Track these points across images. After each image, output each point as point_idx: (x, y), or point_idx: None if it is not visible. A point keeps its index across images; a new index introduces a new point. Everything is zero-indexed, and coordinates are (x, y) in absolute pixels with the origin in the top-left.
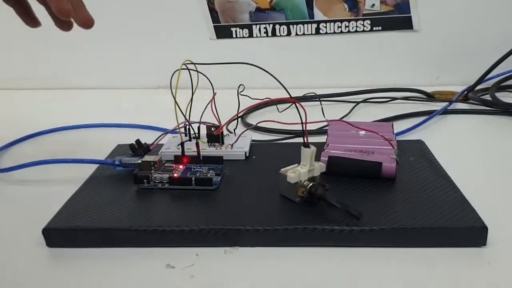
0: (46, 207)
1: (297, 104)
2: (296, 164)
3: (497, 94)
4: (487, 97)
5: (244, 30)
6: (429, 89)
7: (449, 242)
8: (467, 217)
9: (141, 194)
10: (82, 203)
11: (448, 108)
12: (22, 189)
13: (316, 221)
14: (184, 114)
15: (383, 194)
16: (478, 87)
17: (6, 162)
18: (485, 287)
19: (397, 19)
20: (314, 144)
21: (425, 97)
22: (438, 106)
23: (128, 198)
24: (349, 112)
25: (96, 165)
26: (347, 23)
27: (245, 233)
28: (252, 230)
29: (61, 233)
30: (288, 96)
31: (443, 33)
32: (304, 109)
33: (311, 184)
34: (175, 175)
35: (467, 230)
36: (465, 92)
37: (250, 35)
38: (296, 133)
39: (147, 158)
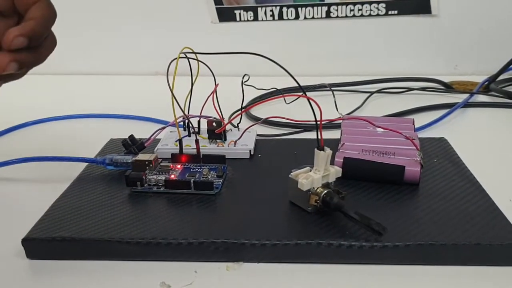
0: (27, 212)
1: (310, 100)
2: (309, 167)
3: None
4: (511, 88)
5: (249, 13)
6: (447, 79)
7: (484, 260)
8: (503, 231)
9: (134, 199)
10: (68, 208)
11: (469, 100)
12: (1, 191)
13: (331, 235)
14: (183, 107)
15: (406, 202)
16: (500, 77)
17: None
18: None
19: (414, 2)
20: (326, 141)
21: (443, 87)
22: (457, 98)
23: (119, 203)
24: (362, 104)
25: (85, 163)
26: (360, 6)
27: (250, 248)
28: (259, 245)
29: (43, 244)
30: (298, 88)
31: (463, 18)
32: (318, 106)
33: (325, 191)
34: (172, 176)
35: (504, 248)
36: (486, 83)
37: (255, 18)
38: (305, 127)
39: (141, 156)
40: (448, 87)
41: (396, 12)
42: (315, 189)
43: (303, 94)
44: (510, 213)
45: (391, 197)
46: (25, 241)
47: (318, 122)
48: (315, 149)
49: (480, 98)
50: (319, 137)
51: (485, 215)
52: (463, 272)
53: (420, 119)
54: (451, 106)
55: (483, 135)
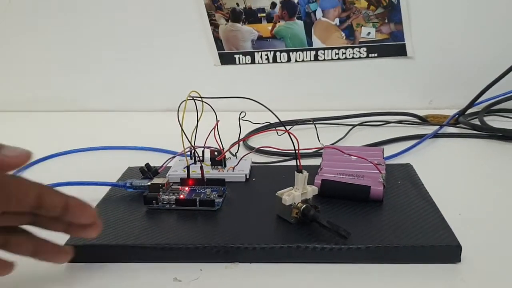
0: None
1: (290, 134)
2: (291, 187)
3: (487, 118)
4: (476, 121)
5: (247, 57)
6: (422, 113)
7: (427, 259)
8: (444, 236)
9: (150, 214)
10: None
11: (439, 131)
12: None
13: (308, 240)
14: (190, 139)
15: (371, 215)
16: (469, 111)
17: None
18: None
19: (392, 47)
20: (309, 167)
21: (418, 120)
22: (430, 129)
23: (139, 218)
24: (345, 135)
25: (109, 187)
26: (344, 50)
27: (244, 251)
28: (251, 248)
29: (80, 250)
30: (292, 122)
31: (436, 59)
32: (296, 139)
33: (304, 206)
34: (181, 196)
35: (443, 248)
36: (456, 116)
37: (253, 61)
38: (293, 155)
39: (155, 180)
40: (424, 120)
41: (376, 55)
42: (296, 204)
43: (285, 128)
44: (457, 223)
45: (359, 211)
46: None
47: (297, 151)
48: (295, 172)
49: (450, 130)
50: (298, 163)
51: (432, 225)
52: (412, 269)
53: (395, 148)
54: (423, 137)
55: (446, 161)
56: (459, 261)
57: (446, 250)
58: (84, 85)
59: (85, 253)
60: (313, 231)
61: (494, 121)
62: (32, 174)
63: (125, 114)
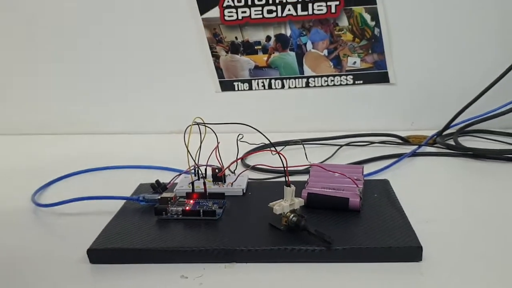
0: (85, 234)
1: (279, 154)
2: (281, 199)
3: (461, 138)
4: (451, 141)
5: (245, 84)
6: (405, 134)
7: (394, 258)
8: (408, 239)
9: (161, 223)
10: (116, 230)
11: (418, 151)
12: (65, 220)
13: (295, 243)
14: (194, 158)
15: (349, 222)
16: (447, 132)
17: (49, 199)
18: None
19: (376, 74)
20: (298, 182)
21: (400, 140)
22: (410, 149)
23: (151, 226)
24: (333, 154)
25: (124, 201)
26: (332, 78)
27: (241, 253)
28: (246, 250)
29: (101, 253)
30: (286, 142)
31: (416, 85)
32: (285, 158)
33: (292, 215)
34: (187, 208)
35: (407, 249)
36: (434, 137)
37: (250, 88)
38: (283, 173)
39: (164, 194)
40: (405, 141)
41: (361, 82)
42: (285, 213)
43: (275, 149)
44: (424, 229)
45: (339, 219)
46: (89, 251)
47: (285, 168)
48: (284, 186)
49: (428, 149)
50: (286, 178)
51: (400, 230)
52: (382, 266)
53: (378, 165)
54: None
55: (421, 177)
56: (421, 259)
57: (409, 250)
58: (98, 111)
59: (107, 256)
60: (299, 236)
61: (467, 141)
62: (57, 189)
63: (134, 136)
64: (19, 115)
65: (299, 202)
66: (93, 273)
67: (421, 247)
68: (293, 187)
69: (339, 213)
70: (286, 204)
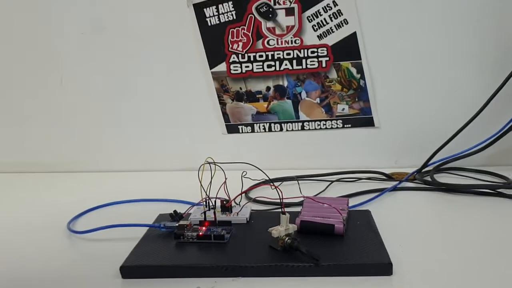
0: (115, 255)
1: (277, 188)
2: (278, 225)
3: (437, 175)
4: (428, 177)
5: (248, 127)
6: (389, 171)
7: (370, 272)
8: (381, 257)
9: (179, 246)
10: (142, 251)
11: (399, 186)
12: (97, 244)
13: (290, 261)
14: (206, 192)
15: (334, 244)
16: (426, 169)
17: (81, 227)
18: None
19: (362, 119)
20: (293, 212)
21: (384, 177)
22: (393, 184)
23: (171, 248)
24: (325, 189)
25: (147, 228)
26: (324, 122)
27: (245, 269)
28: (250, 267)
29: (132, 269)
30: (285, 178)
31: (398, 128)
32: (281, 191)
33: (287, 238)
34: (200, 233)
35: (379, 265)
36: (414, 173)
37: (252, 131)
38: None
39: (181, 222)
40: (389, 177)
41: (349, 125)
42: (281, 236)
43: (273, 184)
44: (397, 251)
45: (326, 242)
46: (122, 268)
47: (281, 200)
48: (280, 214)
49: (408, 184)
50: (282, 208)
51: (375, 250)
52: (360, 279)
53: (363, 198)
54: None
55: (399, 208)
56: (391, 274)
57: (382, 266)
58: (121, 150)
59: (137, 272)
60: (292, 255)
61: (443, 177)
62: (88, 219)
63: (149, 173)
64: (47, 155)
65: (293, 227)
66: (124, 286)
67: (391, 263)
68: (287, 215)
69: (326, 237)
70: (282, 229)
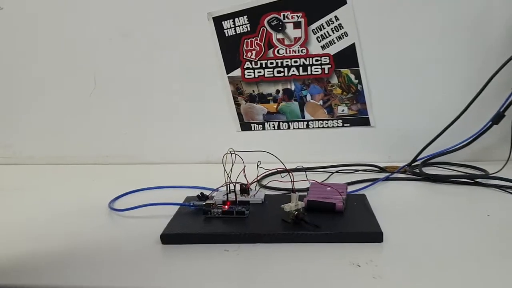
0: (153, 228)
1: (289, 172)
2: (290, 203)
3: (426, 168)
4: (417, 170)
5: (259, 125)
6: (383, 164)
7: (365, 239)
8: (373, 228)
9: (207, 219)
10: (178, 222)
11: (391, 176)
12: (137, 220)
13: (298, 230)
14: (229, 176)
15: (335, 218)
16: (415, 163)
17: (121, 206)
18: (380, 259)
19: (360, 119)
20: (301, 195)
21: (378, 169)
22: (385, 175)
23: (200, 221)
24: (327, 178)
25: (178, 206)
26: (326, 122)
27: (263, 236)
28: (266, 235)
29: (170, 236)
30: (285, 168)
31: (391, 127)
32: (292, 175)
33: (296, 212)
34: (224, 209)
35: (372, 234)
36: (405, 167)
37: (263, 128)
38: (290, 190)
39: (208, 201)
40: (382, 169)
41: (349, 124)
42: (292, 211)
43: (287, 169)
44: (388, 224)
45: (328, 217)
46: (162, 235)
47: (292, 181)
48: (291, 193)
49: (399, 175)
50: (293, 187)
51: (369, 223)
52: (356, 245)
53: (359, 186)
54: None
55: (391, 194)
56: (382, 241)
57: (374, 234)
58: (149, 145)
59: (174, 238)
60: (300, 226)
61: (430, 170)
62: (125, 201)
63: (174, 166)
64: (98, 149)
65: (301, 204)
66: (164, 250)
67: (382, 232)
68: (297, 194)
69: (328, 213)
70: (293, 205)
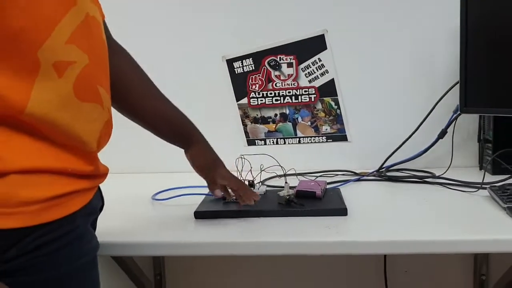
0: (187, 209)
1: (283, 168)
2: (284, 190)
3: (390, 173)
4: (382, 174)
5: (262, 141)
6: (357, 171)
7: (333, 213)
8: (341, 206)
9: (225, 203)
10: (206, 204)
11: (362, 178)
12: (173, 206)
13: (288, 207)
14: (241, 175)
15: (315, 201)
16: (382, 169)
17: (161, 197)
18: (344, 224)
19: (339, 136)
20: (293, 186)
21: (354, 174)
22: (357, 177)
23: (221, 204)
24: (315, 178)
25: (204, 196)
26: (314, 138)
27: (265, 212)
28: (268, 211)
29: (201, 213)
30: (284, 172)
31: (364, 142)
32: (285, 170)
33: (288, 196)
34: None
35: (339, 210)
36: (374, 172)
37: (265, 144)
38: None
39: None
40: (357, 174)
41: (331, 140)
42: (285, 196)
43: (284, 175)
44: (353, 206)
45: (311, 201)
46: (195, 212)
47: (285, 177)
48: (284, 183)
49: (369, 178)
50: (286, 180)
51: (337, 202)
52: (328, 218)
53: (336, 184)
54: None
55: (359, 189)
56: (346, 215)
57: (341, 210)
58: (177, 156)
59: (205, 214)
60: (290, 206)
61: (392, 173)
62: (162, 195)
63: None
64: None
65: (292, 192)
66: (196, 223)
67: (346, 208)
68: (289, 183)
69: (311, 198)
70: (285, 192)
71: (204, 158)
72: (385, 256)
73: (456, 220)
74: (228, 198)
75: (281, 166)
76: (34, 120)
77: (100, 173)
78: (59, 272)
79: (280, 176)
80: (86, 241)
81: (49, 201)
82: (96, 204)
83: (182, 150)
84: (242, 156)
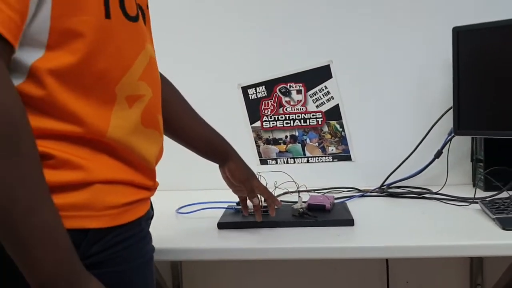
0: (209, 221)
1: (296, 183)
2: (297, 203)
3: (391, 189)
4: (384, 190)
5: (273, 161)
6: (362, 188)
7: (341, 224)
8: (348, 216)
9: (244, 216)
10: (227, 216)
11: (366, 194)
12: (197, 219)
13: (302, 219)
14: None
15: (325, 213)
16: (384, 186)
17: (184, 211)
18: (351, 232)
19: (344, 156)
20: (305, 201)
21: (358, 191)
22: (361, 193)
23: (241, 216)
24: (323, 193)
25: (224, 209)
26: (321, 158)
27: (282, 223)
28: (282, 222)
29: (223, 224)
30: (296, 189)
31: (366, 161)
32: (298, 185)
33: (301, 209)
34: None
35: (347, 220)
36: (376, 188)
37: (276, 163)
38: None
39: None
40: (361, 191)
41: (337, 160)
42: (298, 209)
43: (298, 191)
44: (359, 217)
45: (321, 213)
46: (219, 223)
47: (299, 192)
48: (298, 197)
49: (373, 194)
50: (299, 195)
51: (346, 215)
52: (336, 228)
53: (343, 199)
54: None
55: (362, 204)
56: (353, 225)
57: (348, 221)
58: (197, 175)
59: (227, 225)
60: (304, 217)
61: (393, 190)
62: (184, 209)
63: (213, 191)
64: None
65: (305, 205)
66: (219, 233)
67: (353, 219)
68: (301, 198)
69: (321, 211)
70: (299, 205)
71: (243, 171)
72: (387, 267)
73: (452, 229)
74: (245, 213)
75: (295, 182)
76: (113, 142)
77: (155, 186)
78: (130, 265)
79: (291, 192)
80: (148, 241)
81: (125, 206)
82: (150, 212)
83: (199, 170)
84: (259, 174)
